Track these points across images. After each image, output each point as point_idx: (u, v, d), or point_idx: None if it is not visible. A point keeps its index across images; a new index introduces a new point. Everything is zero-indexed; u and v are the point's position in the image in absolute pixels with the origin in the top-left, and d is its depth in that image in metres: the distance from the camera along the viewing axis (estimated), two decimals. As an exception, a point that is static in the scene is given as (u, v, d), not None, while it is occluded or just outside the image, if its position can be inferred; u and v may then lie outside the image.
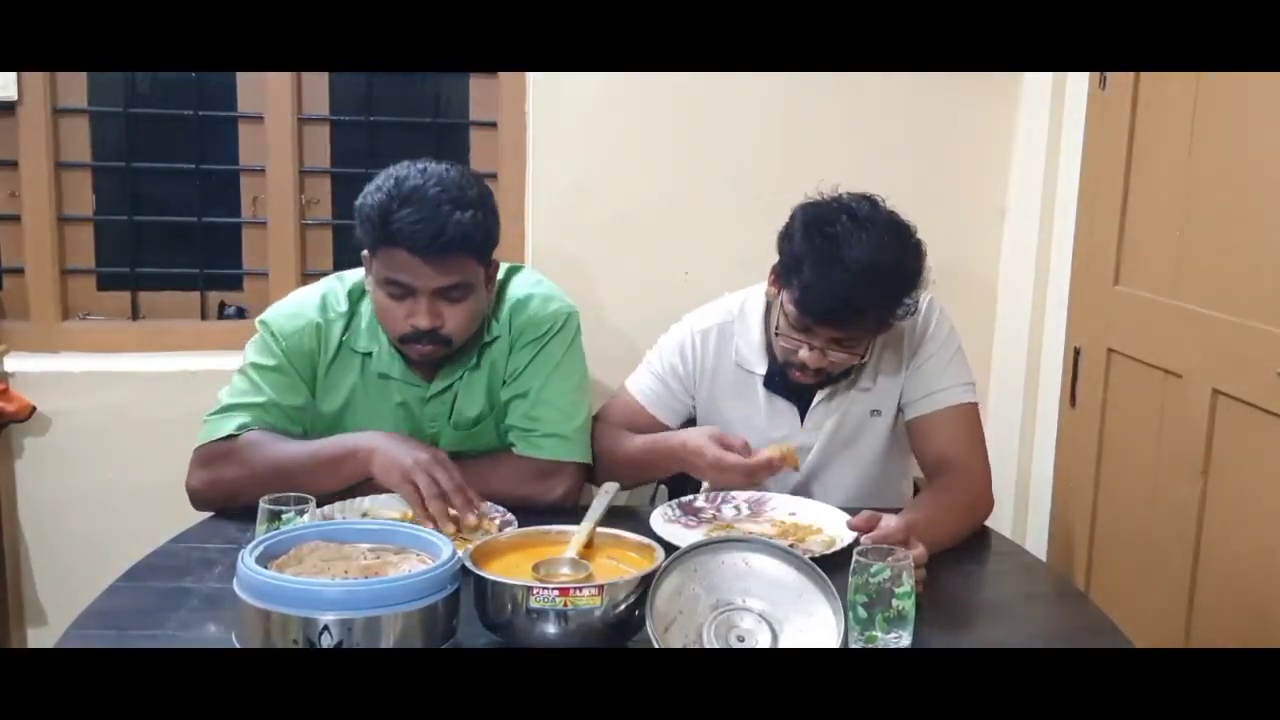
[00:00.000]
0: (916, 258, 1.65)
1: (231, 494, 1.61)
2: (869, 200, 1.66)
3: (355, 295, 1.74)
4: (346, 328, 1.72)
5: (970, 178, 2.52)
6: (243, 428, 1.65)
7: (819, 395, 1.81)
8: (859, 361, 1.74)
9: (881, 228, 1.62)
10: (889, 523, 1.40)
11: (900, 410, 1.83)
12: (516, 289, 1.77)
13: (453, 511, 1.53)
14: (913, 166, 2.46)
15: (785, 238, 1.68)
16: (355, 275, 1.77)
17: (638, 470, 1.78)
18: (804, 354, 1.67)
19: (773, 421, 1.83)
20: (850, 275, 1.57)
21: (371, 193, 1.60)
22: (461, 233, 1.56)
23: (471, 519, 1.50)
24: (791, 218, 1.68)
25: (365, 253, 1.66)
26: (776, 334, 1.72)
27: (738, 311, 1.86)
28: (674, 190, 2.47)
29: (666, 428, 1.84)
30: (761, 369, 1.81)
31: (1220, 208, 1.86)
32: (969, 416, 1.79)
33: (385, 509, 1.59)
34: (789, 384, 1.80)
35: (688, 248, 2.48)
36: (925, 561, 1.37)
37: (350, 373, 1.73)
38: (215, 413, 1.68)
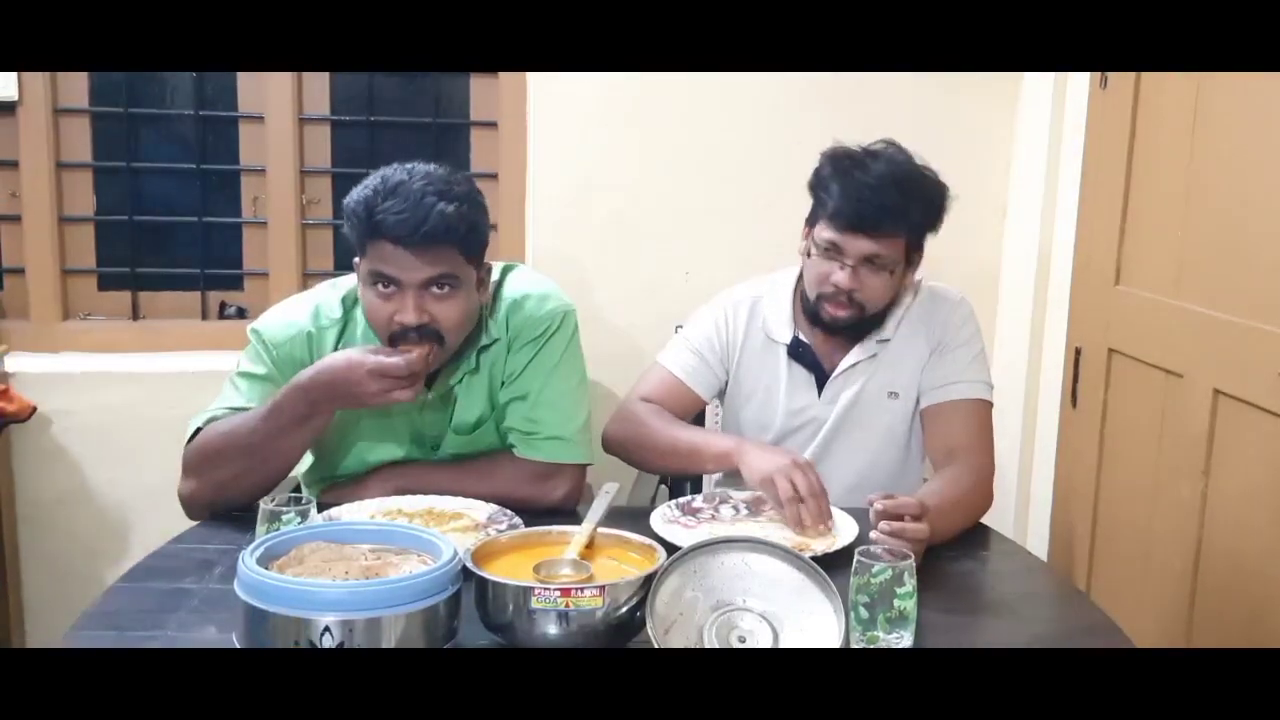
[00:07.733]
0: (934, 175, 1.79)
1: (217, 483, 1.60)
2: (886, 140, 1.82)
3: (349, 301, 1.72)
4: (342, 334, 1.70)
5: (971, 177, 2.50)
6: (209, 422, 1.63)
7: (839, 367, 1.85)
8: (885, 295, 1.79)
9: (897, 149, 1.79)
10: (905, 499, 1.47)
11: (918, 400, 1.85)
12: (512, 288, 1.76)
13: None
14: (913, 166, 2.45)
15: (813, 179, 1.81)
16: (349, 282, 1.74)
17: (685, 460, 1.81)
18: (837, 275, 1.75)
19: (792, 392, 1.87)
20: (874, 178, 1.72)
21: (358, 190, 1.59)
22: (445, 224, 1.55)
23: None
24: (819, 163, 1.82)
25: (356, 259, 1.64)
26: (809, 256, 1.80)
27: (768, 286, 1.93)
28: (674, 190, 2.47)
29: (701, 401, 1.92)
30: (786, 338, 1.87)
31: (1220, 208, 1.86)
32: (982, 413, 1.82)
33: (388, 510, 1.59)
34: (810, 355, 1.86)
35: (688, 248, 2.48)
36: (924, 537, 1.44)
37: None
38: (198, 419, 1.66)
